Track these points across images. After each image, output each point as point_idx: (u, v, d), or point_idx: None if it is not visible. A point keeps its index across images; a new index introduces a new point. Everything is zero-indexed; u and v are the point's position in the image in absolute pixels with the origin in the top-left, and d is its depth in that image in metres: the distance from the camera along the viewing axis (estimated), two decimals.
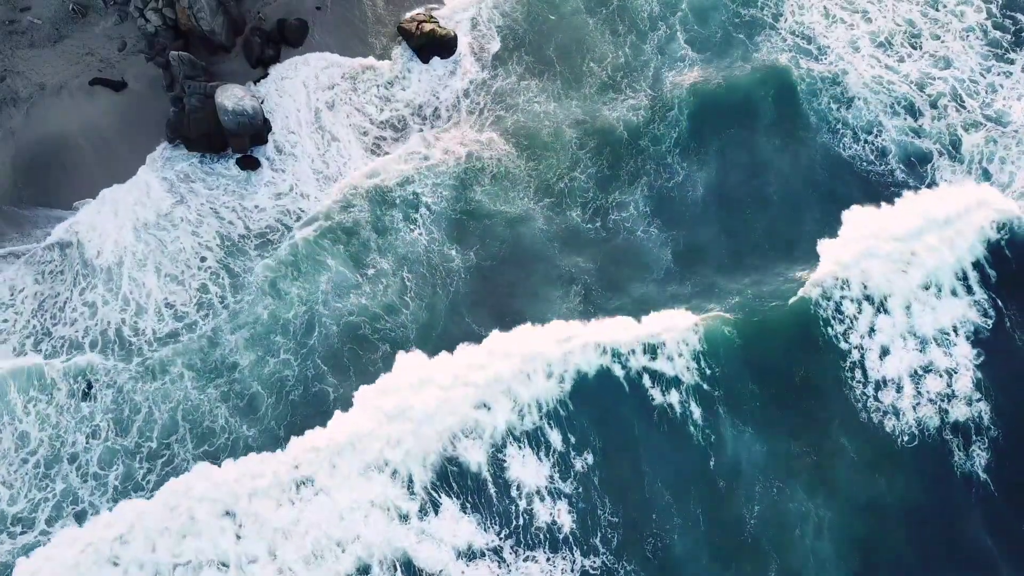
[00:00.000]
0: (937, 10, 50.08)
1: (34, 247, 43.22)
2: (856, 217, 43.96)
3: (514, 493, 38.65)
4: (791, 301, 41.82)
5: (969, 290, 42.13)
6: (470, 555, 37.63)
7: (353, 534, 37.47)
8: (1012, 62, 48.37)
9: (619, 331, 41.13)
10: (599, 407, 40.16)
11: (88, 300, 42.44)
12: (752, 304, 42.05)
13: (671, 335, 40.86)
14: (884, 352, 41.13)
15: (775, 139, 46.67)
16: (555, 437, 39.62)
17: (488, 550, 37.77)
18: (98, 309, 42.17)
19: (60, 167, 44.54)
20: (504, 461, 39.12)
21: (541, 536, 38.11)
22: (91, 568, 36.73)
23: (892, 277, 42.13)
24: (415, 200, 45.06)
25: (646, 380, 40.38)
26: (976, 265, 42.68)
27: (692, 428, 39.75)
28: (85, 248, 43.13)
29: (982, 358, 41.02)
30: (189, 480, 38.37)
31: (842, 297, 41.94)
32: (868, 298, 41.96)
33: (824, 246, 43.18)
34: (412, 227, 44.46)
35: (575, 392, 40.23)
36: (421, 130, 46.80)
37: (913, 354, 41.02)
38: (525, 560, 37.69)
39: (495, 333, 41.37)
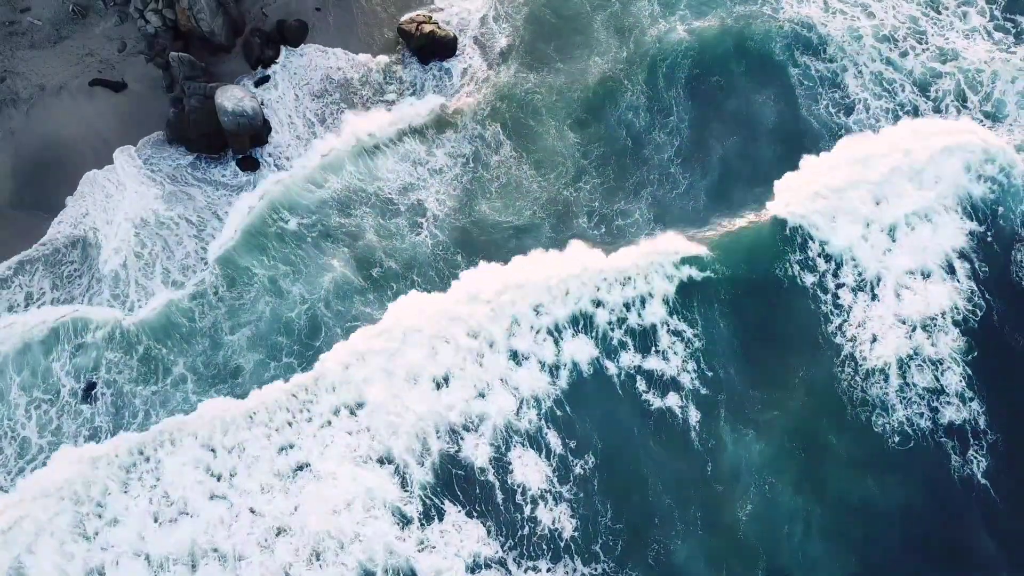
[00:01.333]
0: (939, 12, 50.18)
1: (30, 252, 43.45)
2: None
3: (513, 487, 38.92)
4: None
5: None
6: (474, 567, 37.71)
7: (353, 533, 37.62)
8: (1014, 53, 48.74)
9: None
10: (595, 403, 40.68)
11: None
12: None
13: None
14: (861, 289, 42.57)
15: (776, 146, 46.86)
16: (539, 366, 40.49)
17: (494, 562, 37.87)
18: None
19: (60, 168, 44.50)
20: (504, 452, 39.44)
21: (544, 544, 38.23)
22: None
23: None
24: (420, 207, 45.07)
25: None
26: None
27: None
28: (86, 241, 43.46)
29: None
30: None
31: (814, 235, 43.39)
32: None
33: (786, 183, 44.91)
34: (417, 233, 44.40)
35: (570, 387, 40.71)
36: (422, 132, 46.87)
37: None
38: (526, 572, 37.83)
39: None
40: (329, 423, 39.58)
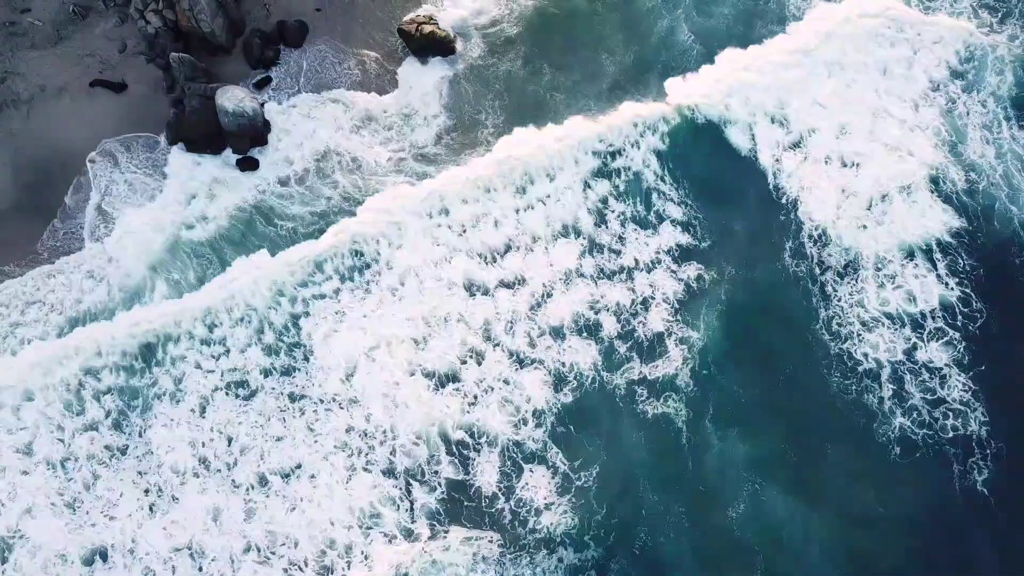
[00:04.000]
0: None
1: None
2: None
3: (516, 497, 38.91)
4: None
5: None
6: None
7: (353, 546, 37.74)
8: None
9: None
10: None
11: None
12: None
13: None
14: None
15: None
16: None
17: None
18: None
19: (61, 169, 44.69)
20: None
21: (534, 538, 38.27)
22: None
23: None
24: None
25: None
26: None
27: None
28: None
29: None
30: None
31: None
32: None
33: None
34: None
35: None
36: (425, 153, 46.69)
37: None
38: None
39: None
40: (328, 410, 40.00)
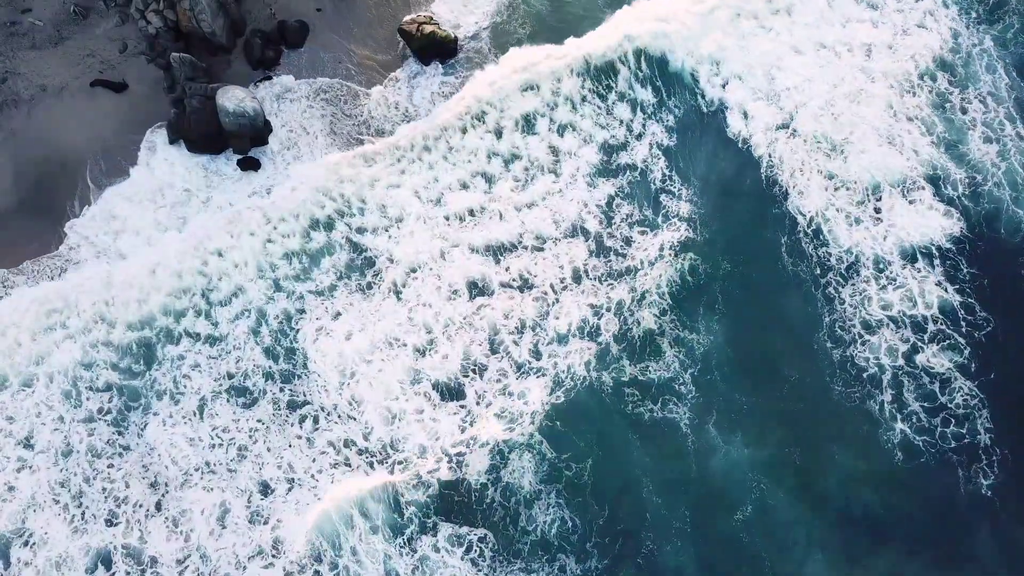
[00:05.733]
0: None
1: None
2: None
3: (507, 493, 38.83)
4: None
5: None
6: None
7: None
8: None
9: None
10: None
11: None
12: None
13: None
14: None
15: None
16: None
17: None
18: None
19: (61, 169, 44.50)
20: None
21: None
22: None
23: None
24: None
25: None
26: None
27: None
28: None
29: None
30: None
31: None
32: None
33: None
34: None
35: None
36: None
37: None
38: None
39: None
40: (329, 418, 39.85)
